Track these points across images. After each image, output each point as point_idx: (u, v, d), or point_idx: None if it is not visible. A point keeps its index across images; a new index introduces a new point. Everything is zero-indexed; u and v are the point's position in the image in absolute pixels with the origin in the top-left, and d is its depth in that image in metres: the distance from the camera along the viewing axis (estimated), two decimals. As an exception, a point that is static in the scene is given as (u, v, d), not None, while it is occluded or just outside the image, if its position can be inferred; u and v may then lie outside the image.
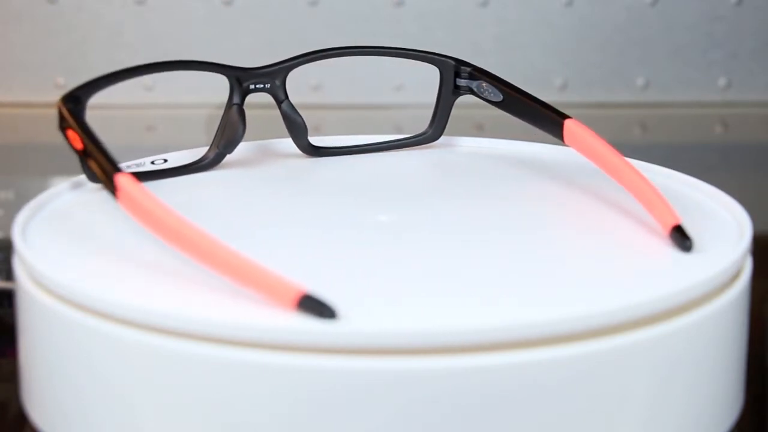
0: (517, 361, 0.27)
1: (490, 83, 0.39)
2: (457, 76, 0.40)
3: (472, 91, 0.40)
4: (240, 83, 0.38)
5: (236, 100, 0.38)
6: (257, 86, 0.38)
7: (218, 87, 0.77)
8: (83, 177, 0.37)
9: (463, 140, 0.42)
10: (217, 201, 0.36)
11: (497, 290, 0.29)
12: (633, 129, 0.73)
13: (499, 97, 0.39)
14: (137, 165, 0.39)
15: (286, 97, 0.39)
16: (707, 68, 0.75)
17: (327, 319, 0.27)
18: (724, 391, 0.30)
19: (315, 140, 0.40)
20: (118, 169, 0.31)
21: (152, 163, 0.39)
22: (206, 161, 0.39)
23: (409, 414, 0.26)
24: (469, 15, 0.73)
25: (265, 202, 0.36)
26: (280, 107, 0.39)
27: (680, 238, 0.30)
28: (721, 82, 0.75)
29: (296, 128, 0.39)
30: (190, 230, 0.29)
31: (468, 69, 0.40)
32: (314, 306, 0.27)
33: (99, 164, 0.32)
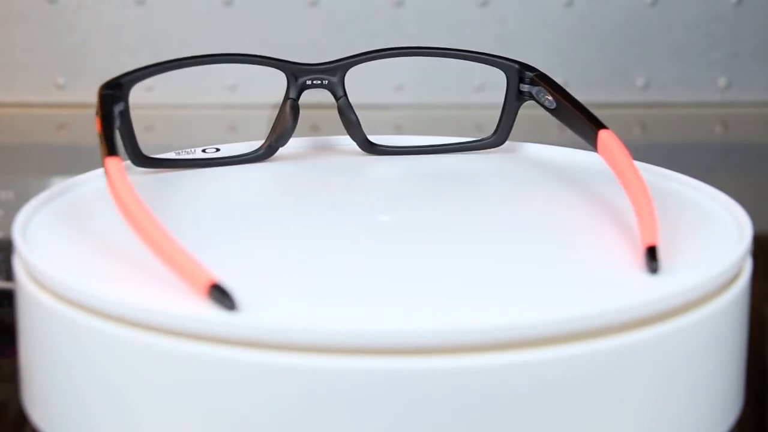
0: (517, 362, 0.27)
1: (547, 90, 0.38)
2: (521, 81, 0.39)
3: (532, 97, 0.39)
4: (296, 78, 0.38)
5: (292, 94, 0.39)
6: (314, 82, 0.39)
7: (218, 87, 0.77)
8: (83, 176, 0.37)
9: (526, 146, 0.41)
10: (234, 192, 0.37)
11: (491, 291, 0.29)
12: (633, 129, 0.73)
13: (553, 105, 0.38)
14: (187, 152, 0.39)
15: (345, 94, 0.39)
16: (707, 68, 0.75)
17: (227, 310, 0.27)
18: (724, 391, 0.30)
19: (375, 138, 0.40)
20: (110, 153, 0.32)
21: (203, 151, 0.40)
22: (257, 153, 0.39)
23: (322, 415, 0.26)
24: (469, 15, 0.73)
25: (282, 197, 0.37)
26: (337, 103, 0.39)
27: (649, 259, 0.30)
28: (721, 82, 0.75)
29: (351, 125, 0.39)
30: (142, 214, 0.29)
31: (531, 74, 0.39)
32: (218, 296, 0.27)
33: (102, 148, 0.33)
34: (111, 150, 0.33)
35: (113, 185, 0.31)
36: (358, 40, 0.73)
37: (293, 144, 0.40)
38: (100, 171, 0.37)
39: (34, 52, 0.72)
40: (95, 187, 0.36)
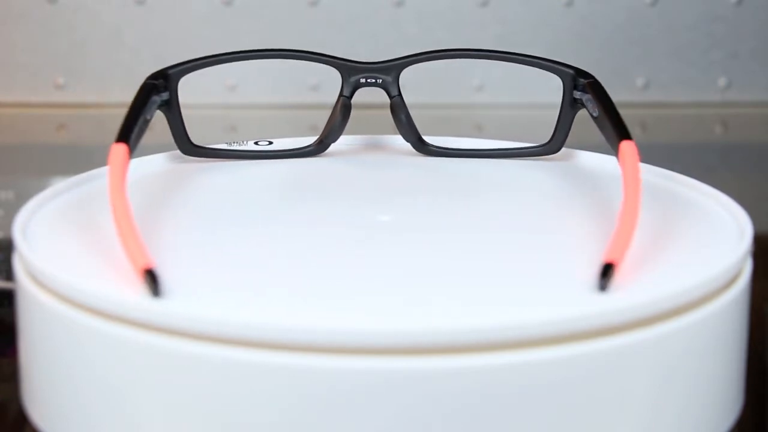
0: (517, 362, 0.27)
1: (592, 98, 0.38)
2: (575, 87, 0.39)
3: (584, 105, 0.38)
4: (350, 76, 0.39)
5: (345, 92, 0.39)
6: (369, 80, 0.39)
7: (218, 87, 0.77)
8: (83, 176, 0.37)
9: (570, 152, 0.41)
10: (260, 187, 0.37)
11: (491, 291, 0.29)
12: (633, 129, 0.72)
13: (596, 113, 0.38)
14: (238, 144, 0.40)
15: (399, 93, 0.39)
16: (707, 68, 0.75)
17: (153, 296, 0.27)
18: (724, 391, 0.30)
19: (430, 139, 0.40)
20: (118, 139, 0.33)
21: (256, 143, 0.40)
22: (308, 149, 0.40)
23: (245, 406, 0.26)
24: (469, 15, 0.73)
25: (306, 193, 0.37)
26: (390, 102, 0.39)
27: (602, 274, 0.29)
28: (721, 82, 0.75)
29: (403, 124, 0.40)
30: (116, 198, 0.30)
31: (583, 81, 0.39)
32: (149, 281, 0.28)
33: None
34: (121, 136, 0.33)
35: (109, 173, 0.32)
36: (358, 40, 0.73)
37: (347, 141, 0.41)
38: (98, 171, 0.37)
39: (34, 52, 0.72)
40: (95, 187, 0.36)
